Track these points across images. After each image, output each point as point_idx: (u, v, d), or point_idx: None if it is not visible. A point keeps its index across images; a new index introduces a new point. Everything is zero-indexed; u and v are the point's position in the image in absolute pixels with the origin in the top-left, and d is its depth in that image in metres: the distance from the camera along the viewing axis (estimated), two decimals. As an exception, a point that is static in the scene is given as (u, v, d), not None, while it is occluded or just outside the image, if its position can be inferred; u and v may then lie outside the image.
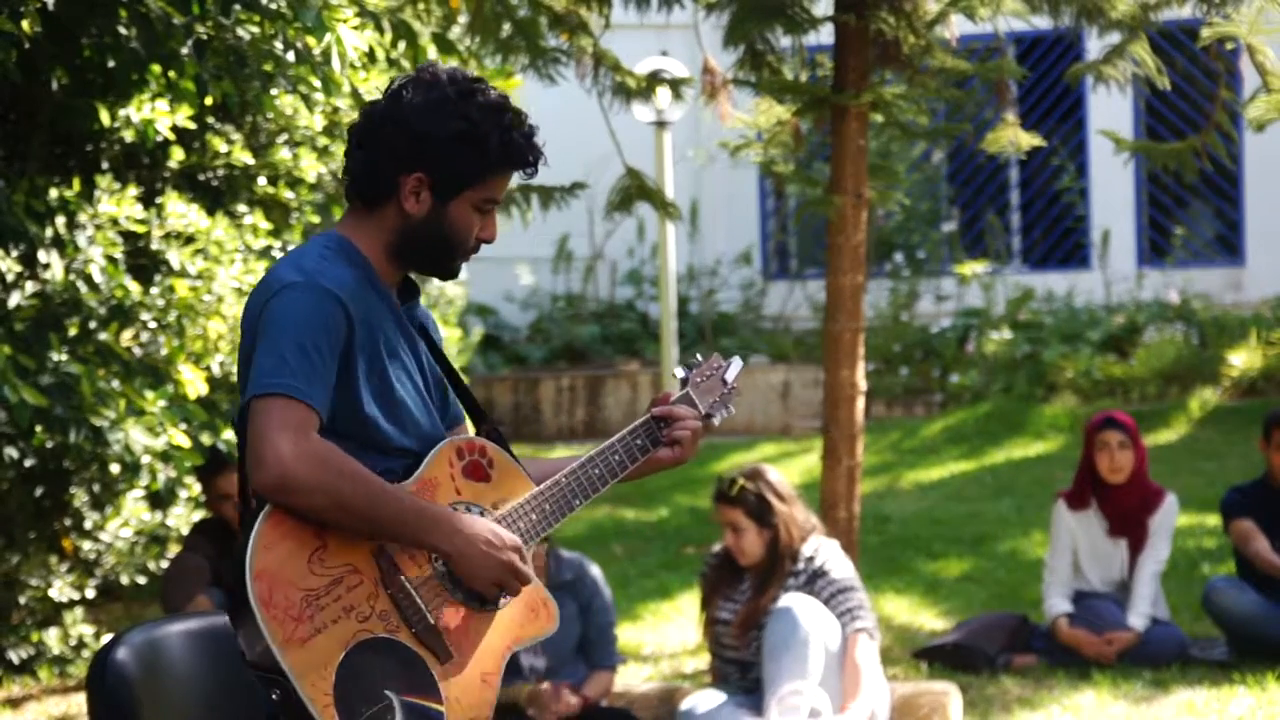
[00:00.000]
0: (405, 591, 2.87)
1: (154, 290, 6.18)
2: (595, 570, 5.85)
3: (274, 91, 6.09)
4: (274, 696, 2.77)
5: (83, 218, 5.97)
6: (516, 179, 3.16)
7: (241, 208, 6.83)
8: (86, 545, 6.89)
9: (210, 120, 6.70)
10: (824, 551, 5.52)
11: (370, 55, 5.95)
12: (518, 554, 2.94)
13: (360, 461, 2.87)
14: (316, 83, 5.71)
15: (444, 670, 2.89)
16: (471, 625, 2.95)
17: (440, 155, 2.94)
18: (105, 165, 6.45)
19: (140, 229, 6.24)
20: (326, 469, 2.77)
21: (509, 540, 2.94)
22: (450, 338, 9.87)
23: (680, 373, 3.34)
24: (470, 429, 3.21)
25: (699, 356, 3.39)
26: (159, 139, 6.20)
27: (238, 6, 5.45)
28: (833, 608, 5.41)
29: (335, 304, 2.86)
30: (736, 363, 3.39)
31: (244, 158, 6.77)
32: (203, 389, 6.10)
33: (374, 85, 6.56)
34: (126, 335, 6.18)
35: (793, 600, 5.36)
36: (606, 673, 5.78)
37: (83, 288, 5.85)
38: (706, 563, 5.82)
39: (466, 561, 2.89)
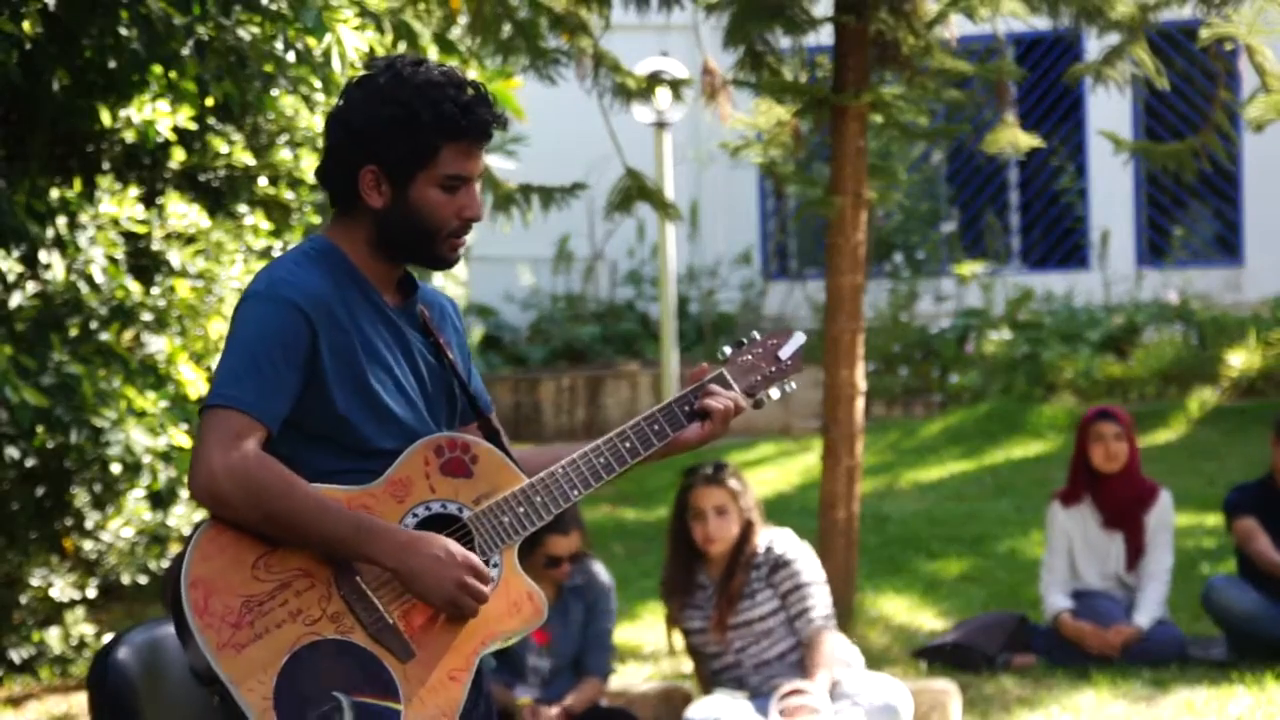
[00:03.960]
0: (360, 592, 2.85)
1: (155, 290, 6.18)
2: (604, 576, 5.81)
3: (275, 92, 6.10)
4: (214, 702, 2.79)
5: (84, 218, 5.97)
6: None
7: (242, 208, 6.83)
8: (88, 545, 6.89)
9: (211, 121, 6.70)
10: (780, 542, 5.53)
11: (371, 56, 5.95)
12: (470, 571, 2.86)
13: (340, 464, 2.89)
14: (317, 83, 5.72)
15: (405, 669, 2.85)
16: (440, 623, 2.90)
17: (380, 144, 2.92)
18: (106, 166, 6.46)
19: (141, 229, 6.25)
20: (254, 484, 2.78)
21: (461, 556, 2.86)
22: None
23: (727, 351, 3.19)
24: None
25: (755, 334, 3.22)
26: (160, 139, 6.21)
27: (238, 7, 5.46)
28: (791, 603, 5.44)
29: (294, 312, 2.87)
30: (797, 338, 3.19)
31: (245, 158, 6.77)
32: (204, 389, 6.10)
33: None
34: (127, 336, 6.19)
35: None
36: (596, 680, 5.73)
37: (84, 288, 5.85)
38: (662, 580, 5.80)
39: (415, 579, 2.85)
